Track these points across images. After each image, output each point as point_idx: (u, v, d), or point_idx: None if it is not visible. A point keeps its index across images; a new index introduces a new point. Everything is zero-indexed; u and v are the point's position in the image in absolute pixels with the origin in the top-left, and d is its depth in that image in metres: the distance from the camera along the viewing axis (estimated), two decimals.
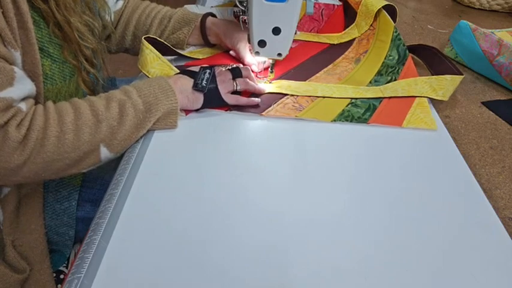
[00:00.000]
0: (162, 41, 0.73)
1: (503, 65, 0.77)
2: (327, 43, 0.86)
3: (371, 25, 0.87)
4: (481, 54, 0.81)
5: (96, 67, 0.66)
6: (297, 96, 0.68)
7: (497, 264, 0.45)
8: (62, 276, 0.67)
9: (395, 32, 0.81)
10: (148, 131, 0.58)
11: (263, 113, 0.64)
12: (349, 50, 0.85)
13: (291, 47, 0.67)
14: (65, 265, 0.69)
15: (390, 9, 0.87)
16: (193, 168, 0.54)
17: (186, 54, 0.76)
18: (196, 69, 0.64)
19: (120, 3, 0.78)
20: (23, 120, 0.48)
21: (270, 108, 0.65)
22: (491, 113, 0.72)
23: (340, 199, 0.51)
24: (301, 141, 0.59)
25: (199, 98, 0.61)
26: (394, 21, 0.84)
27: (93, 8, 0.67)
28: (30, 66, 0.53)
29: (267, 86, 0.70)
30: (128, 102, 0.54)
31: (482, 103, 0.75)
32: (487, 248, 0.46)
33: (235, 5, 0.69)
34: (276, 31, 0.62)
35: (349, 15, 0.93)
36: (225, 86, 0.63)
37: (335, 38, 0.87)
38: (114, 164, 0.57)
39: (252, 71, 0.71)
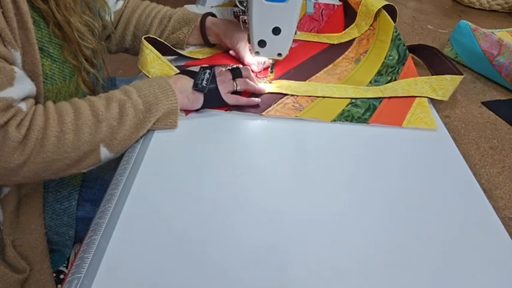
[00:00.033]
0: (162, 41, 0.73)
1: (503, 65, 0.77)
2: (327, 43, 0.86)
3: (371, 25, 0.87)
4: (481, 54, 0.81)
5: (96, 67, 0.66)
6: (297, 96, 0.68)
7: (497, 264, 0.45)
8: (62, 276, 0.67)
9: (396, 32, 0.81)
10: (148, 131, 0.58)
11: (263, 113, 0.64)
12: (349, 50, 0.85)
13: (291, 47, 0.67)
14: (65, 265, 0.69)
15: (390, 9, 0.87)
16: (193, 168, 0.54)
17: (186, 54, 0.76)
18: (196, 69, 0.64)
19: (120, 3, 0.78)
20: (23, 120, 0.48)
21: (270, 108, 0.65)
22: (491, 113, 0.72)
23: (340, 199, 0.51)
24: (301, 141, 0.59)
25: (200, 98, 0.61)
26: (394, 21, 0.84)
27: (93, 8, 0.67)
28: (30, 66, 0.53)
29: (267, 86, 0.70)
30: (128, 102, 0.54)
31: (482, 103, 0.75)
32: (487, 248, 0.46)
33: (235, 5, 0.69)
34: (276, 31, 0.62)
35: (349, 15, 0.93)
36: (225, 86, 0.63)
37: (335, 38, 0.87)
38: (114, 164, 0.57)
39: (252, 71, 0.71)
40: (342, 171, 0.55)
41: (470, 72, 0.85)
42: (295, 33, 0.64)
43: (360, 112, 0.66)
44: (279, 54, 0.66)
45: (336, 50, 0.84)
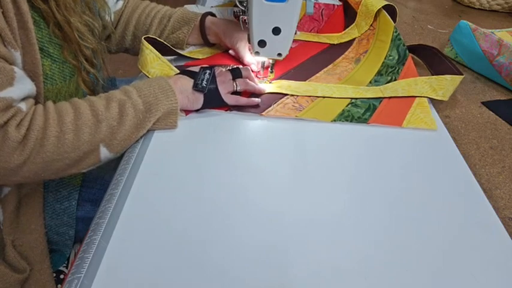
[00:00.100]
0: (161, 41, 0.73)
1: (503, 65, 0.77)
2: (327, 43, 0.86)
3: (371, 25, 0.87)
4: (481, 54, 0.81)
5: (96, 67, 0.66)
6: (297, 96, 0.68)
7: (497, 264, 0.45)
8: (62, 276, 0.67)
9: (396, 32, 0.81)
10: (148, 131, 0.58)
11: (263, 113, 0.64)
12: (349, 50, 0.85)
13: (291, 47, 0.67)
14: (65, 265, 0.69)
15: (390, 9, 0.87)
16: (193, 168, 0.54)
17: (186, 54, 0.76)
18: (196, 69, 0.64)
19: (120, 3, 0.78)
20: (22, 120, 0.48)
21: (270, 108, 0.65)
22: (491, 113, 0.72)
23: (340, 199, 0.51)
24: (301, 141, 0.59)
25: (200, 98, 0.61)
26: (394, 21, 0.84)
27: (93, 8, 0.67)
28: (31, 66, 0.53)
29: (267, 86, 0.70)
30: (127, 102, 0.54)
31: (482, 103, 0.75)
32: (487, 248, 0.46)
33: (235, 5, 0.69)
34: (276, 31, 0.62)
35: (349, 15, 0.93)
36: (225, 87, 0.63)
37: (335, 38, 0.87)
38: (114, 164, 0.57)
39: (252, 71, 0.71)
40: (342, 171, 0.55)
41: (470, 72, 0.85)
42: (295, 33, 0.64)
43: (360, 112, 0.66)
44: (279, 54, 0.66)
45: (336, 50, 0.84)
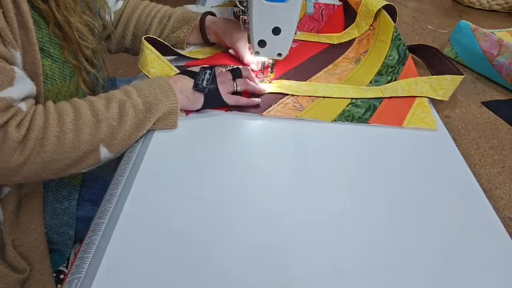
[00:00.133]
0: (162, 41, 0.73)
1: (503, 65, 0.77)
2: (327, 43, 0.86)
3: (371, 25, 0.87)
4: (481, 54, 0.81)
5: (96, 67, 0.66)
6: (298, 96, 0.68)
7: (497, 264, 0.45)
8: (62, 276, 0.67)
9: (396, 32, 0.81)
10: (148, 131, 0.58)
11: (263, 113, 0.64)
12: (349, 50, 0.85)
13: (291, 47, 0.67)
14: (65, 265, 0.69)
15: (390, 9, 0.87)
16: (193, 168, 0.54)
17: (186, 54, 0.76)
18: (196, 69, 0.64)
19: (120, 3, 0.78)
20: (22, 120, 0.48)
21: (270, 108, 0.65)
22: (491, 113, 0.72)
23: (340, 199, 0.51)
24: (302, 141, 0.59)
25: (200, 99, 0.61)
26: (394, 21, 0.84)
27: (93, 8, 0.67)
28: (31, 66, 0.53)
29: (267, 86, 0.70)
30: (128, 102, 0.54)
31: (482, 103, 0.75)
32: (487, 248, 0.46)
33: (235, 5, 0.69)
34: (276, 31, 0.62)
35: (349, 15, 0.93)
36: (225, 87, 0.63)
37: (335, 38, 0.87)
38: (114, 164, 0.57)
39: (252, 70, 0.71)
40: (342, 171, 0.55)
41: (470, 72, 0.85)
42: (295, 33, 0.64)
43: (360, 112, 0.66)
44: (279, 54, 0.66)
45: (336, 50, 0.84)
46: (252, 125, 0.63)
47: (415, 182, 0.54)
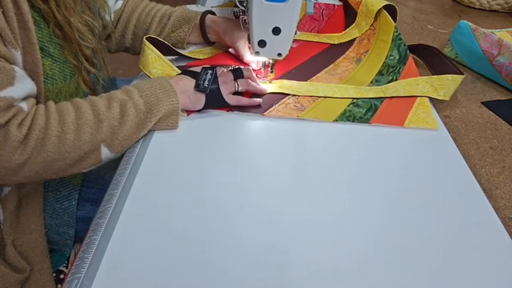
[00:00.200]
0: (163, 41, 0.73)
1: (503, 65, 0.77)
2: (327, 43, 0.86)
3: (371, 25, 0.87)
4: (481, 54, 0.81)
5: (97, 67, 0.66)
6: (299, 96, 0.68)
7: (497, 264, 0.45)
8: (62, 276, 0.67)
9: (396, 31, 0.81)
10: (149, 131, 0.58)
11: (265, 113, 0.64)
12: (350, 49, 0.85)
13: (292, 47, 0.67)
14: (65, 265, 0.69)
15: (390, 9, 0.87)
16: (193, 168, 0.54)
17: (187, 55, 0.76)
18: (197, 69, 0.64)
19: (120, 3, 0.78)
20: (24, 119, 0.48)
21: (271, 109, 0.65)
22: (491, 113, 0.72)
23: (340, 199, 0.51)
24: (303, 141, 0.59)
25: (201, 99, 0.61)
26: (395, 21, 0.84)
27: (93, 7, 0.67)
28: (31, 66, 0.53)
29: (268, 86, 0.70)
30: (129, 102, 0.54)
31: (482, 103, 0.75)
32: (487, 248, 0.46)
33: (235, 5, 0.69)
34: (276, 31, 0.62)
35: (349, 15, 0.93)
36: (226, 87, 0.63)
37: (336, 38, 0.87)
38: (114, 164, 0.57)
39: (252, 70, 0.71)
40: (343, 171, 0.55)
41: (470, 72, 0.85)
42: (296, 33, 0.64)
43: (361, 112, 0.66)
44: (279, 54, 0.66)
45: (337, 50, 0.84)
46: (253, 125, 0.63)
47: (415, 182, 0.54)
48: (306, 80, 0.73)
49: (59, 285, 0.65)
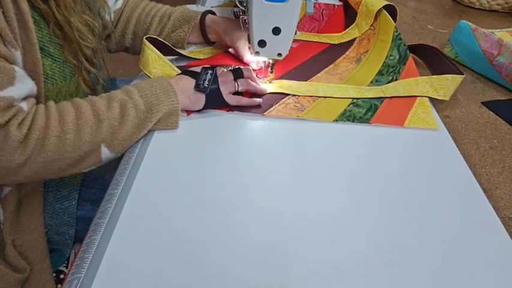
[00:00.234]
0: (162, 40, 0.73)
1: (503, 65, 0.77)
2: (327, 43, 0.86)
3: (371, 25, 0.87)
4: (481, 54, 0.81)
5: (97, 67, 0.66)
6: (299, 96, 0.68)
7: (497, 264, 0.45)
8: (62, 276, 0.67)
9: (396, 31, 0.81)
10: (149, 131, 0.58)
11: (265, 113, 0.64)
12: (350, 49, 0.85)
13: (292, 47, 0.67)
14: (65, 265, 0.69)
15: (390, 9, 0.87)
16: (193, 168, 0.54)
17: (187, 55, 0.76)
18: (197, 69, 0.64)
19: (120, 3, 0.78)
20: (24, 119, 0.48)
21: (271, 109, 0.65)
22: (491, 113, 0.72)
23: (340, 199, 0.51)
24: (303, 141, 0.59)
25: (201, 99, 0.61)
26: (395, 21, 0.84)
27: (93, 7, 0.67)
28: (31, 66, 0.53)
29: (268, 86, 0.70)
30: (129, 102, 0.54)
31: (482, 103, 0.75)
32: (487, 248, 0.46)
33: (235, 5, 0.69)
34: (276, 31, 0.62)
35: (349, 15, 0.93)
36: (226, 87, 0.63)
37: (336, 38, 0.87)
38: (114, 164, 0.57)
39: (252, 70, 0.71)
40: (342, 171, 0.55)
41: (470, 72, 0.85)
42: (296, 33, 0.64)
43: (361, 112, 0.66)
44: (279, 54, 0.66)
45: (337, 50, 0.84)
46: (253, 125, 0.63)
47: (415, 182, 0.54)
48: (306, 80, 0.73)
49: (59, 285, 0.65)
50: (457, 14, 1.15)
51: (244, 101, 0.64)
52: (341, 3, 0.96)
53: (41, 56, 0.54)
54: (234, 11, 0.87)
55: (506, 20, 1.12)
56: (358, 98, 0.69)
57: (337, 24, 0.92)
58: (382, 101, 0.69)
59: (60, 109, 0.51)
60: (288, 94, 0.68)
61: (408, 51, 0.79)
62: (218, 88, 0.62)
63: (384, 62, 0.79)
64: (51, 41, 0.56)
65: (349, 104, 0.67)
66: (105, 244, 0.43)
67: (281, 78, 0.73)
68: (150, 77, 0.66)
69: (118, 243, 0.44)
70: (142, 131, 0.56)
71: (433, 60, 0.82)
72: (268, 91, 0.69)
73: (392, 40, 0.81)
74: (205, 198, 0.50)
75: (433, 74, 0.77)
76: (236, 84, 0.65)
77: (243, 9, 0.68)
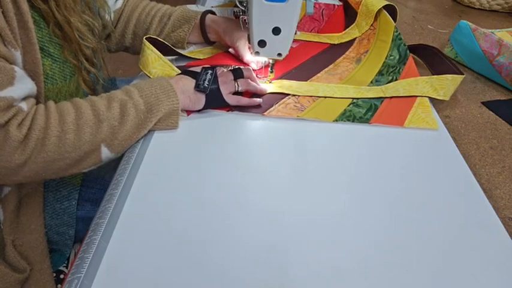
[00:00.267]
0: (162, 40, 0.73)
1: (503, 65, 0.77)
2: (327, 43, 0.86)
3: (371, 25, 0.87)
4: (481, 54, 0.81)
5: (96, 66, 0.66)
6: (299, 96, 0.68)
7: (497, 264, 0.45)
8: (62, 276, 0.67)
9: (396, 31, 0.81)
10: (149, 131, 0.58)
11: (265, 113, 0.64)
12: (350, 49, 0.85)
13: (292, 47, 0.67)
14: (65, 265, 0.69)
15: (390, 9, 0.87)
16: (193, 168, 0.54)
17: (187, 55, 0.76)
18: (197, 69, 0.64)
19: (120, 2, 0.78)
20: (24, 119, 0.48)
21: (271, 109, 0.65)
22: (491, 113, 0.72)
23: (340, 199, 0.51)
24: (303, 141, 0.59)
25: (201, 99, 0.61)
26: (395, 21, 0.84)
27: (93, 7, 0.67)
28: (31, 66, 0.53)
29: (267, 86, 0.70)
30: (129, 102, 0.54)
31: (482, 103, 0.75)
32: (487, 248, 0.46)
33: (235, 5, 0.69)
34: (276, 31, 0.62)
35: (349, 15, 0.93)
36: (226, 87, 0.63)
37: (336, 38, 0.87)
38: (114, 164, 0.57)
39: (252, 70, 0.71)
40: (342, 171, 0.55)
41: (470, 72, 0.85)
42: (296, 33, 0.64)
43: (361, 112, 0.66)
44: (279, 54, 0.66)
45: (337, 50, 0.84)
46: (253, 125, 0.63)
47: (415, 182, 0.54)
48: (306, 80, 0.73)
49: (59, 285, 0.65)
50: (457, 14, 1.15)
51: (244, 101, 0.64)
52: (341, 3, 0.96)
53: (41, 56, 0.54)
54: (234, 11, 0.87)
55: (506, 20, 1.12)
56: (358, 98, 0.69)
57: (337, 24, 0.92)
58: (382, 101, 0.69)
59: (60, 109, 0.51)
60: (288, 94, 0.68)
61: (408, 51, 0.79)
62: (218, 88, 0.62)
63: (384, 62, 0.79)
64: (51, 41, 0.56)
65: (349, 104, 0.67)
66: (105, 244, 0.43)
67: (281, 78, 0.73)
68: (150, 77, 0.66)
69: (118, 243, 0.44)
70: (142, 131, 0.56)
71: (433, 60, 0.82)
72: (268, 91, 0.69)
73: (392, 40, 0.81)
74: (205, 198, 0.50)
75: (433, 74, 0.77)
76: (236, 84, 0.65)
77: (243, 9, 0.68)
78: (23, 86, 0.50)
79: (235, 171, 0.54)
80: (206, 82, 0.61)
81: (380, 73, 0.77)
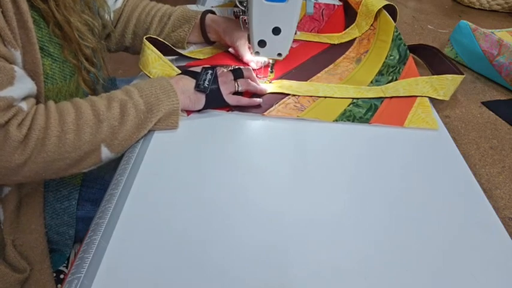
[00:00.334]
0: (162, 40, 0.73)
1: (503, 65, 0.77)
2: (327, 43, 0.86)
3: (371, 25, 0.87)
4: (481, 54, 0.81)
5: (96, 66, 0.66)
6: (299, 96, 0.68)
7: (497, 264, 0.45)
8: (62, 276, 0.67)
9: (396, 31, 0.81)
10: (149, 131, 0.58)
11: (265, 113, 0.64)
12: (350, 49, 0.85)
13: (292, 47, 0.67)
14: (65, 265, 0.69)
15: (390, 9, 0.87)
16: (193, 168, 0.54)
17: (187, 55, 0.76)
18: (198, 69, 0.64)
19: (120, 2, 0.78)
20: (24, 119, 0.48)
21: (271, 109, 0.65)
22: (491, 113, 0.72)
23: (340, 199, 0.51)
24: (303, 141, 0.59)
25: (201, 99, 0.61)
26: (395, 21, 0.84)
27: (92, 7, 0.67)
28: (31, 66, 0.53)
29: (268, 86, 0.70)
30: (129, 102, 0.54)
31: (482, 103, 0.75)
32: (487, 248, 0.46)
33: (235, 5, 0.69)
34: (276, 31, 0.62)
35: (349, 15, 0.93)
36: (226, 87, 0.63)
37: (336, 38, 0.87)
38: (114, 164, 0.57)
39: (252, 70, 0.71)
40: (342, 171, 0.55)
41: (470, 72, 0.85)
42: (296, 33, 0.64)
43: (361, 112, 0.66)
44: (279, 54, 0.66)
45: (337, 50, 0.84)
46: (253, 125, 0.63)
47: (415, 182, 0.54)
48: (306, 80, 0.73)
49: (59, 285, 0.65)
50: (457, 14, 1.15)
51: (244, 101, 0.64)
52: (341, 3, 0.96)
53: (40, 55, 0.54)
54: (234, 11, 0.87)
55: (506, 20, 1.12)
56: (358, 98, 0.69)
57: (337, 24, 0.92)
58: (382, 101, 0.69)
59: (60, 109, 0.51)
60: (288, 94, 0.68)
61: (408, 51, 0.79)
62: (218, 88, 0.62)
63: (384, 62, 0.79)
64: (51, 40, 0.56)
65: (349, 104, 0.67)
66: (105, 244, 0.43)
67: (281, 78, 0.73)
68: (150, 77, 0.66)
69: (118, 243, 0.44)
70: (143, 131, 0.56)
71: (433, 60, 0.82)
72: (268, 91, 0.69)
73: (392, 40, 0.81)
74: (205, 198, 0.50)
75: (433, 74, 0.77)
76: (236, 84, 0.65)
77: (243, 9, 0.68)
78: (23, 85, 0.50)
79: (235, 171, 0.54)
80: (206, 82, 0.61)
81: (380, 73, 0.77)
